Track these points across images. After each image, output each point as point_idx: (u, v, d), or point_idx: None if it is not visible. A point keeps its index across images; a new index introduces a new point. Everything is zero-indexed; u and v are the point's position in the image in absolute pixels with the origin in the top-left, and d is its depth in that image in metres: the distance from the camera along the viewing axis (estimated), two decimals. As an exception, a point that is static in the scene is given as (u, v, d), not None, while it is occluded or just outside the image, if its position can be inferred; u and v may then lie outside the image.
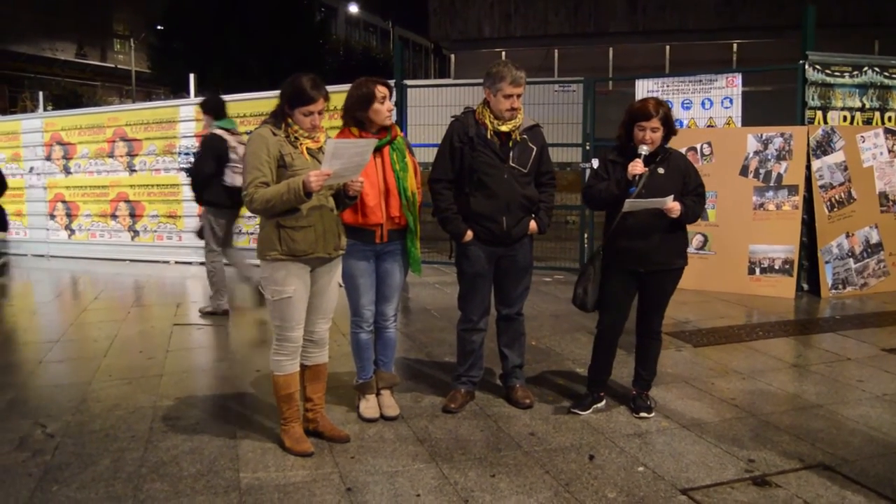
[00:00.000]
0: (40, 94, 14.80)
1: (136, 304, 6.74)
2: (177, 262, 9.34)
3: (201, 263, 9.10)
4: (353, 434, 3.46)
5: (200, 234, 6.15)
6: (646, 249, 3.58)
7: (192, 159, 5.94)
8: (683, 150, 3.91)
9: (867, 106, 7.02)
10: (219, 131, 5.85)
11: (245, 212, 5.52)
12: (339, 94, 3.61)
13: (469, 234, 3.71)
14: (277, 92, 3.19)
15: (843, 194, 6.79)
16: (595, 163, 7.42)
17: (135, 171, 9.66)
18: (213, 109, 5.97)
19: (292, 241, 3.12)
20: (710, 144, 6.94)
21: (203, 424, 3.64)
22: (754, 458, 3.22)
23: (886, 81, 7.05)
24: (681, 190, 3.59)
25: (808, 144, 6.65)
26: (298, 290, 3.19)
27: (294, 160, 3.11)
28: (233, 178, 5.67)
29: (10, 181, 10.52)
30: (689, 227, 3.75)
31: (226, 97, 9.58)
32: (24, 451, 3.31)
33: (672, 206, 3.47)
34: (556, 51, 18.68)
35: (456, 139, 3.71)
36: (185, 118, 9.31)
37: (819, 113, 6.85)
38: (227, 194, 5.76)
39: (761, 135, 6.78)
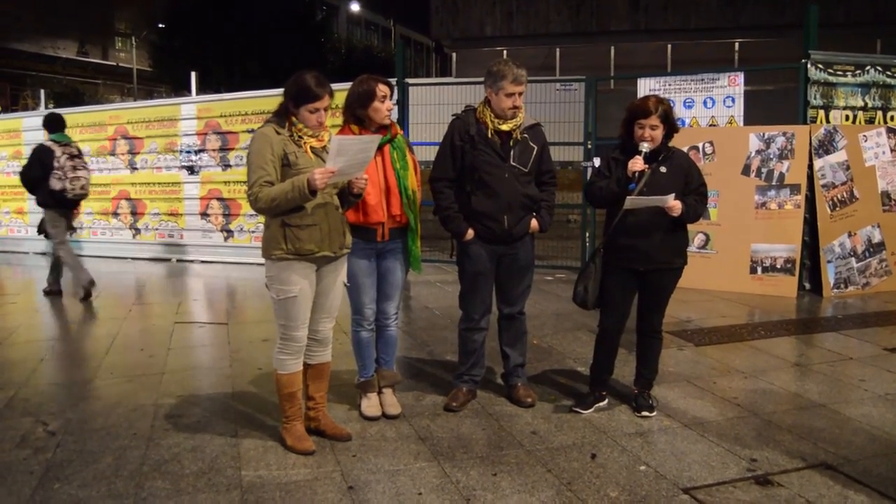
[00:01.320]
0: (42, 92, 14.86)
1: (137, 301, 6.75)
2: (178, 260, 9.35)
3: (202, 261, 9.17)
4: (354, 432, 3.46)
5: (41, 229, 6.93)
6: (646, 248, 3.57)
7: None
8: (685, 149, 3.91)
9: (869, 105, 7.01)
10: (48, 143, 6.66)
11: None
12: (341, 91, 3.60)
13: (470, 233, 3.70)
14: (279, 90, 3.18)
15: (845, 193, 6.78)
16: (597, 161, 7.42)
17: (136, 169, 9.67)
18: (49, 124, 6.84)
19: (297, 240, 3.11)
20: (712, 143, 6.93)
21: (205, 422, 3.64)
22: (756, 458, 3.21)
23: (889, 80, 7.04)
24: (683, 189, 3.58)
25: (811, 143, 6.64)
26: (304, 290, 3.17)
27: (298, 159, 3.10)
28: (54, 184, 6.51)
29: (11, 179, 10.58)
30: (691, 226, 3.75)
31: (227, 95, 9.71)
32: (25, 449, 3.31)
33: (673, 204, 3.47)
34: (557, 49, 18.69)
35: (457, 138, 3.70)
36: (186, 116, 9.32)
37: (821, 112, 6.85)
38: (52, 197, 6.57)
39: (763, 134, 6.77)
